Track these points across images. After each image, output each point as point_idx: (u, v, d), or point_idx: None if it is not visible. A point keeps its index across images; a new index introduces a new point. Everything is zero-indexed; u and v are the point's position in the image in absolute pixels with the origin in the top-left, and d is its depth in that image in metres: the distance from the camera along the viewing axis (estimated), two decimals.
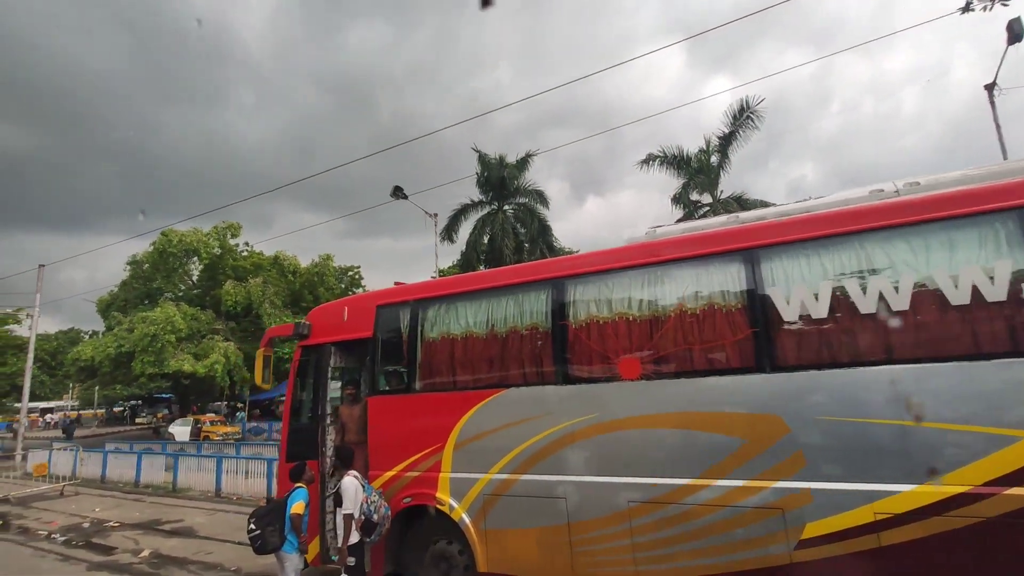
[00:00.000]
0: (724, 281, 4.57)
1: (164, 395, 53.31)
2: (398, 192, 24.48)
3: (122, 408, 52.24)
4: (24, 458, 19.72)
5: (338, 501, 5.35)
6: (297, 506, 5.40)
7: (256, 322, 32.60)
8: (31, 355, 22.59)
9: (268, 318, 30.42)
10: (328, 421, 6.52)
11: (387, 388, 6.19)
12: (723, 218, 5.21)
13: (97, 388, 44.17)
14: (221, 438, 27.43)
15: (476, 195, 32.81)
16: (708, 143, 27.59)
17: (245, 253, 34.81)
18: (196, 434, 28.75)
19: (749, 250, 4.49)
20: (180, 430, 29.03)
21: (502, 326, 5.55)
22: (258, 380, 7.01)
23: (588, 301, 5.13)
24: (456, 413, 5.53)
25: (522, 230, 32.97)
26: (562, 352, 5.13)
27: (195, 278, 34.79)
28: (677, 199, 28.30)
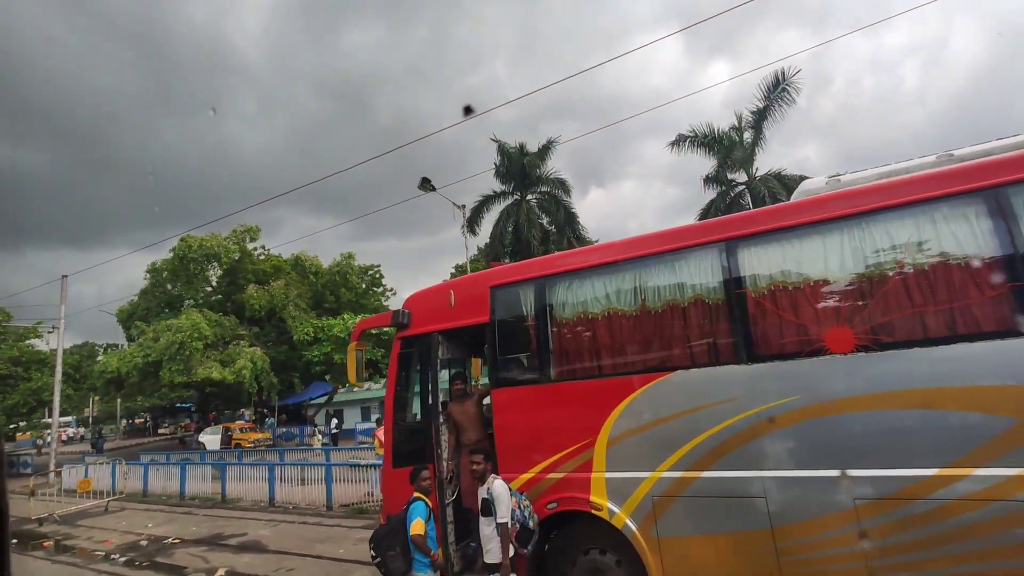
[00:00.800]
0: (965, 229, 3.77)
1: (185, 404, 53.01)
2: (426, 184, 23.74)
3: (143, 419, 51.86)
4: (58, 474, 19.11)
5: (485, 509, 4.60)
6: (416, 525, 4.66)
7: (279, 325, 32.03)
8: (59, 368, 22.00)
9: (293, 321, 29.84)
10: (441, 419, 5.77)
11: (514, 379, 5.42)
12: (930, 158, 4.40)
13: (119, 400, 43.63)
14: (253, 445, 26.88)
15: (491, 189, 31.99)
16: (740, 119, 26.68)
17: (262, 256, 34.24)
18: (227, 442, 28.20)
19: (1002, 187, 3.68)
20: (210, 438, 28.49)
21: (658, 299, 4.77)
22: (352, 378, 6.26)
23: (776, 263, 4.34)
24: (607, 403, 4.77)
25: (547, 220, 32.18)
26: (745, 325, 4.34)
27: (214, 283, 34.22)
28: (711, 179, 27.42)
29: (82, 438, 49.39)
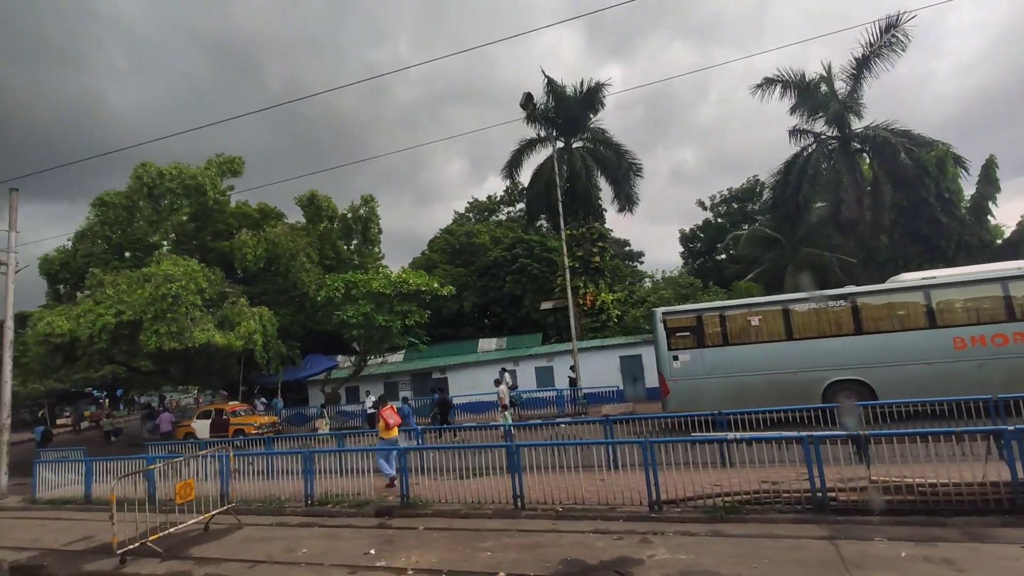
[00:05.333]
0: None
1: (91, 390, 43.14)
2: (529, 101, 19.44)
3: (40, 409, 41.27)
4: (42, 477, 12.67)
5: None
6: None
7: (277, 282, 25.72)
8: (10, 322, 14.78)
9: (306, 275, 23.93)
10: None
11: None
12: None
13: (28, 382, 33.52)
14: (258, 431, 20.99)
15: (525, 136, 27.84)
16: (828, 69, 24.72)
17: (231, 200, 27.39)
18: (221, 427, 21.90)
19: None
20: (200, 424, 22.00)
21: None
22: None
23: None
24: None
25: (600, 172, 28.52)
26: None
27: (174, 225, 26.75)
28: (798, 131, 25.29)
29: None
